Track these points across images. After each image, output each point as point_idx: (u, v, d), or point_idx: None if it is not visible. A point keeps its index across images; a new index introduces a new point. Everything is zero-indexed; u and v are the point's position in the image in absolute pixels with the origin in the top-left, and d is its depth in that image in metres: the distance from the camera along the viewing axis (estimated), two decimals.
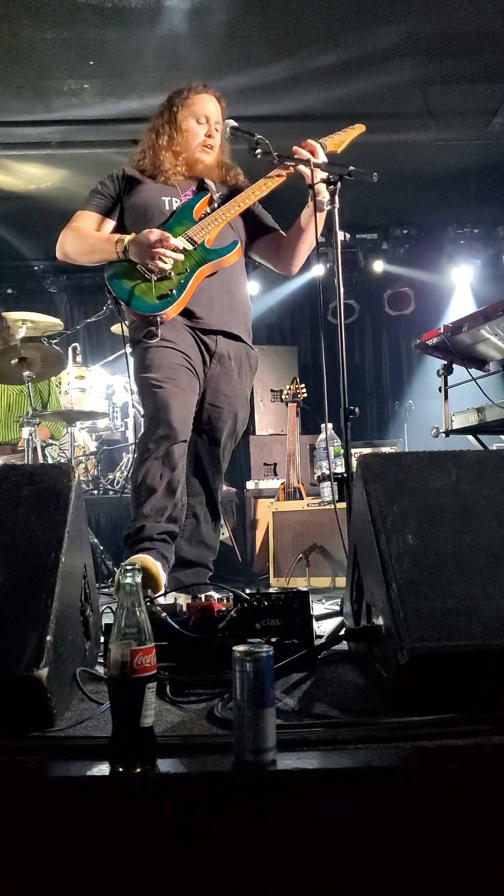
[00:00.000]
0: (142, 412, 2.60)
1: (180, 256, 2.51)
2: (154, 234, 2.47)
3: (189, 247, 2.54)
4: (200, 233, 2.57)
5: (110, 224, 2.70)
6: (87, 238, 2.63)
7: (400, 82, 4.64)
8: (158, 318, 2.50)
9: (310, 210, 2.63)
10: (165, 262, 2.48)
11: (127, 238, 2.52)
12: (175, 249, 2.49)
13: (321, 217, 2.61)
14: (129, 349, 2.80)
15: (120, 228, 2.70)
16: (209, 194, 2.68)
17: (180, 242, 2.52)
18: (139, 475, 2.47)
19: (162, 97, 2.82)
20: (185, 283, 2.53)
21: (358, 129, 2.76)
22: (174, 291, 2.51)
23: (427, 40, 4.27)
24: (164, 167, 2.67)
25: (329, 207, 2.60)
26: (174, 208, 2.66)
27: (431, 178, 5.86)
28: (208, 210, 2.66)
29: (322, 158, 2.57)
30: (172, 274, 2.52)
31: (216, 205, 2.68)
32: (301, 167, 2.57)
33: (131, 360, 2.76)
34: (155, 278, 2.50)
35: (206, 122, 2.71)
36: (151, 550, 2.39)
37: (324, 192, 2.58)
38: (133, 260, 2.51)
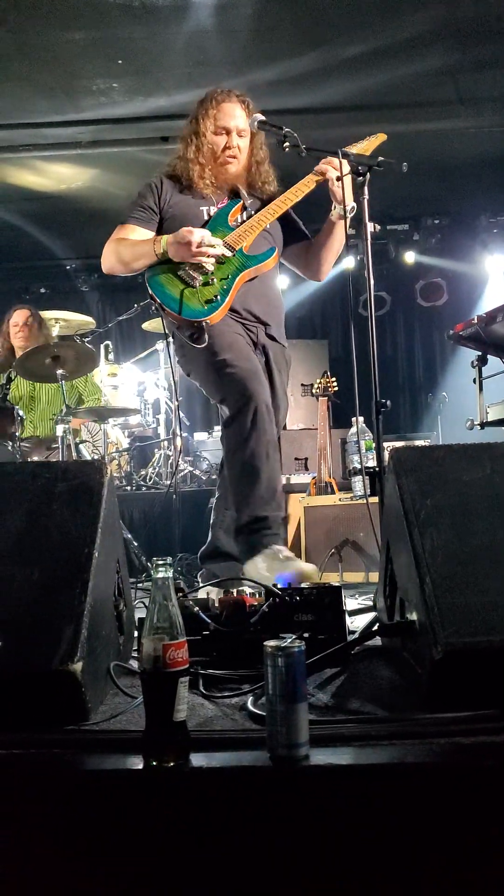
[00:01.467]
0: (220, 399, 2.58)
1: (219, 252, 2.53)
2: (195, 233, 2.49)
3: (228, 253, 2.58)
4: (238, 239, 2.60)
5: (151, 235, 2.71)
6: (129, 247, 2.65)
7: (429, 70, 4.58)
8: (204, 323, 2.52)
9: (334, 216, 2.66)
10: (207, 261, 2.51)
11: (165, 237, 2.55)
12: (214, 251, 2.52)
13: (346, 221, 2.65)
14: (160, 345, 2.82)
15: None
16: (241, 202, 2.71)
17: (220, 249, 2.55)
18: (244, 455, 2.45)
19: (190, 93, 2.84)
20: (227, 289, 2.57)
21: (380, 138, 2.74)
22: (218, 297, 2.55)
23: (456, 26, 4.20)
24: (194, 180, 2.69)
25: (352, 214, 2.62)
26: (210, 216, 2.69)
27: (463, 167, 5.78)
28: (240, 217, 2.69)
29: (344, 170, 2.56)
30: (215, 280, 2.55)
31: (251, 211, 2.70)
32: (330, 173, 2.59)
33: (171, 352, 2.78)
34: (198, 284, 2.52)
35: (224, 133, 2.68)
36: (276, 536, 2.44)
37: (349, 198, 2.59)
38: (173, 259, 2.54)
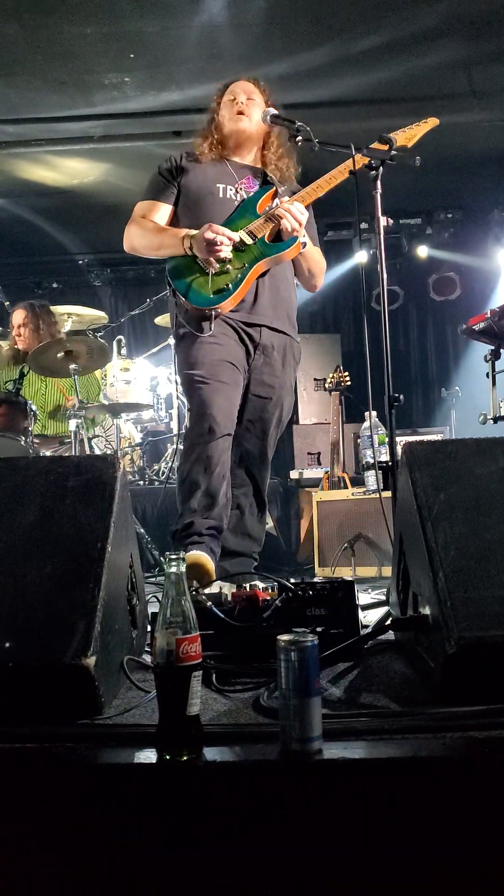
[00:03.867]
0: (186, 406, 2.64)
1: (227, 255, 2.53)
2: (210, 232, 2.50)
3: (249, 241, 2.56)
4: (262, 227, 2.59)
5: (169, 209, 2.74)
6: (154, 233, 2.66)
7: (443, 63, 4.54)
8: (213, 312, 2.52)
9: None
10: (222, 256, 2.51)
11: (193, 235, 2.56)
12: (230, 241, 2.52)
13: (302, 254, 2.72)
14: (172, 341, 2.82)
15: (176, 212, 2.75)
16: (274, 188, 2.69)
17: (239, 236, 2.55)
18: (185, 470, 2.52)
19: (202, 87, 2.85)
20: (241, 278, 2.55)
21: (431, 123, 2.74)
22: (230, 286, 2.54)
23: (470, 19, 4.16)
24: (201, 148, 2.74)
25: (304, 249, 2.69)
26: (228, 196, 2.69)
27: (476, 160, 5.73)
28: (271, 206, 2.67)
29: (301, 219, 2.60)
30: (231, 268, 2.55)
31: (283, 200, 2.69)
32: (285, 221, 2.58)
33: (176, 353, 2.79)
34: (212, 272, 2.52)
35: (233, 98, 2.73)
36: (200, 545, 2.43)
37: (300, 232, 2.63)
38: (196, 255, 2.55)
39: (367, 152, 2.50)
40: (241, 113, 2.71)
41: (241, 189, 2.71)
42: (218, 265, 2.53)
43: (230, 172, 2.73)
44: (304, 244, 2.68)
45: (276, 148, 2.76)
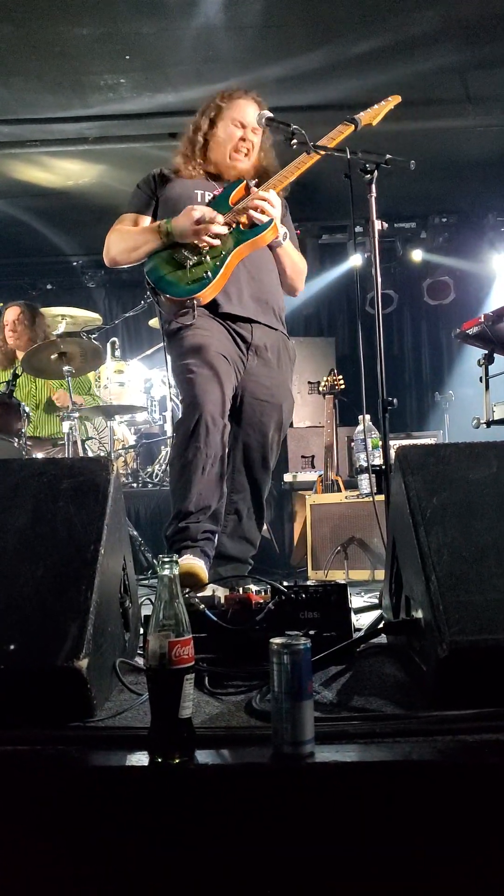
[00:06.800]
0: (180, 400, 2.61)
1: (224, 230, 2.51)
2: (198, 210, 2.49)
3: (225, 231, 2.55)
4: (236, 216, 2.58)
5: (149, 221, 2.73)
6: (129, 235, 2.66)
7: (438, 68, 4.56)
8: (194, 301, 2.50)
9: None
10: (209, 240, 2.50)
11: (167, 220, 2.55)
12: (217, 229, 2.51)
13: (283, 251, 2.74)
14: (164, 342, 2.81)
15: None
16: (245, 182, 2.69)
17: (221, 229, 2.54)
18: (181, 465, 2.44)
19: (198, 89, 2.84)
20: (220, 266, 2.52)
21: (394, 101, 2.78)
22: (209, 274, 2.51)
23: (465, 24, 4.18)
24: (194, 168, 2.72)
25: (285, 241, 2.70)
26: (206, 200, 2.68)
27: (471, 165, 5.75)
28: (245, 196, 2.66)
29: (276, 213, 2.59)
30: (208, 258, 2.53)
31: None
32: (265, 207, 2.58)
33: (168, 353, 2.77)
34: (191, 264, 2.51)
35: (241, 126, 2.69)
36: (194, 549, 2.40)
37: (280, 228, 2.63)
38: (176, 242, 2.53)
39: (362, 156, 2.51)
40: (248, 150, 2.70)
41: (217, 194, 2.71)
42: (194, 257, 2.51)
43: (211, 185, 2.73)
44: (286, 234, 2.68)
45: (263, 159, 2.78)
